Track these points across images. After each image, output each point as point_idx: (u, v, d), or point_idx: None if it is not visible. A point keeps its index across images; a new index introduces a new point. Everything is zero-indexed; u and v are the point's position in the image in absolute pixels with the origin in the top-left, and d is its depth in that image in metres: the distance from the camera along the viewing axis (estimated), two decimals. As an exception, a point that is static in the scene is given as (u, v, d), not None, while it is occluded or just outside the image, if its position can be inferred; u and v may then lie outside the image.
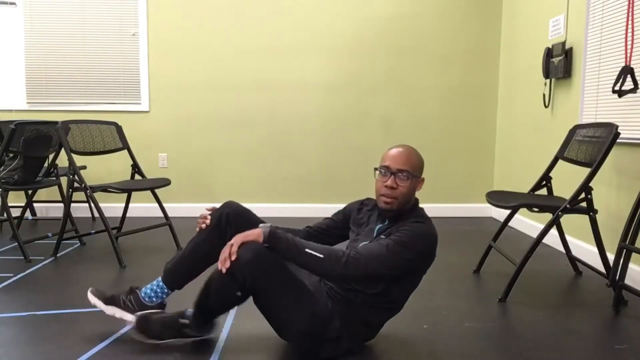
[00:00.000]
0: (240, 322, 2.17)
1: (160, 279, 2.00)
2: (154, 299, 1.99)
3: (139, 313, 1.94)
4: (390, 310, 1.90)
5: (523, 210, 2.76)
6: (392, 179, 1.82)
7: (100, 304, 1.99)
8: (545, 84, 3.68)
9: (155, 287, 1.99)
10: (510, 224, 3.10)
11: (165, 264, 2.02)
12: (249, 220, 1.95)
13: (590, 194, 2.51)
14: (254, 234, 1.70)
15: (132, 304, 1.97)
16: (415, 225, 1.79)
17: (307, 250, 1.67)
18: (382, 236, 1.82)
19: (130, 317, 1.95)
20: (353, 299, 1.83)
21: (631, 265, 2.38)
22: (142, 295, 1.98)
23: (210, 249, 1.90)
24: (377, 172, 1.87)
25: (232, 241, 1.70)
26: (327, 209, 4.58)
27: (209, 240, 1.94)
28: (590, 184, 2.49)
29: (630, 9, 2.57)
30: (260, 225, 1.73)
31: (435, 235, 1.82)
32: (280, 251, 1.70)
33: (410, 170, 1.82)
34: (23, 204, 3.94)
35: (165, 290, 1.99)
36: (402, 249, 1.72)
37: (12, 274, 2.83)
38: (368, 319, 1.86)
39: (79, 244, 3.53)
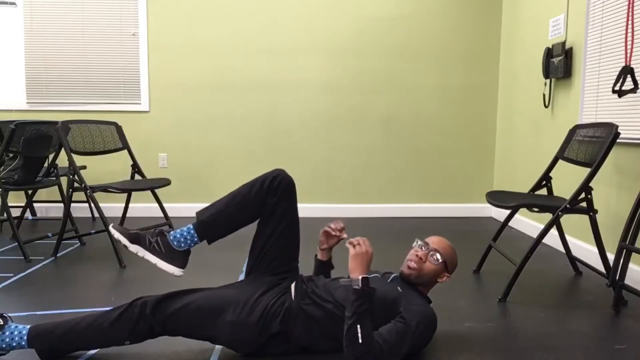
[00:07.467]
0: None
1: (191, 226, 1.94)
2: (183, 245, 1.92)
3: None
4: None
5: (523, 210, 2.76)
6: (425, 253, 1.96)
7: (124, 240, 1.91)
8: (545, 84, 3.68)
9: (185, 234, 1.93)
10: (510, 224, 3.10)
11: (197, 212, 1.97)
12: (292, 199, 2.06)
13: (590, 194, 2.51)
14: (364, 267, 1.76)
15: (160, 247, 1.91)
16: (423, 306, 1.88)
17: (358, 326, 1.65)
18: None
19: (153, 259, 1.89)
20: (312, 312, 1.84)
21: (631, 265, 2.38)
22: (171, 238, 1.91)
23: (249, 206, 1.98)
24: (416, 243, 2.02)
25: (363, 244, 1.80)
26: (327, 209, 4.65)
27: (252, 198, 1.99)
28: (590, 184, 2.49)
29: (630, 9, 2.57)
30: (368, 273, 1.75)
31: (435, 321, 1.89)
32: (350, 303, 1.69)
33: (443, 257, 1.96)
34: (23, 204, 3.94)
35: (195, 240, 1.93)
36: (414, 334, 1.77)
37: (12, 274, 2.83)
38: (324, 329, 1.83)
39: (79, 244, 3.53)
